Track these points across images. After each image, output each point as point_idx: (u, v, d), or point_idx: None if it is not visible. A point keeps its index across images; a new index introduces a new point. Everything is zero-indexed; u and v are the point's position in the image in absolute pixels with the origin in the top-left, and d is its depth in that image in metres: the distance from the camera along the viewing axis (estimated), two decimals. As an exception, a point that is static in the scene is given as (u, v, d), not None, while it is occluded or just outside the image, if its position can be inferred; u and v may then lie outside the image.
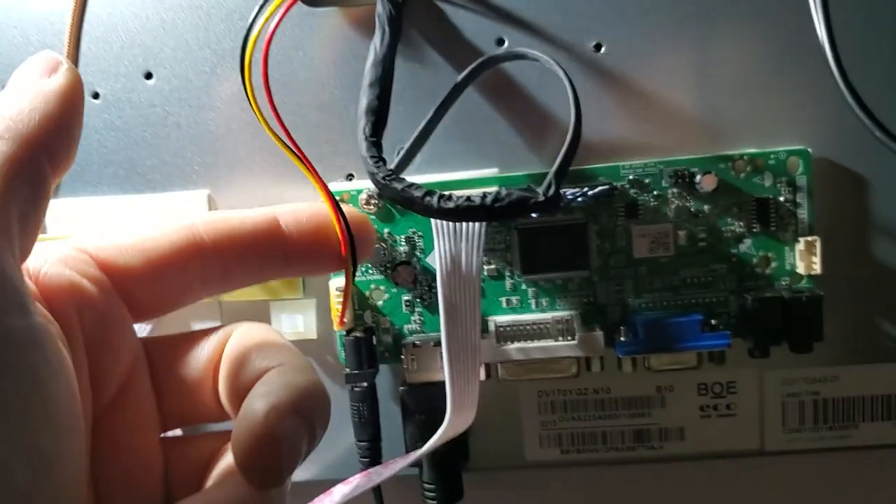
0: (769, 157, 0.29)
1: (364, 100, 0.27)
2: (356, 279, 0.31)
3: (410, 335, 0.31)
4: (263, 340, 0.23)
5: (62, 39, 0.32)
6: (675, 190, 0.30)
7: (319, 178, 0.26)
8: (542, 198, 0.25)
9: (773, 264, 0.30)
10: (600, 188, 0.29)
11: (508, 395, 0.33)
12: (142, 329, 0.28)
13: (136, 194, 0.33)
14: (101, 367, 0.21)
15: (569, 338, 0.30)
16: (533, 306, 0.31)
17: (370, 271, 0.31)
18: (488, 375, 0.30)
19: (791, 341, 0.29)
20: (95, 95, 0.33)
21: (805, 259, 0.29)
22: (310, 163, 0.26)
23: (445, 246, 0.27)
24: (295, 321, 0.32)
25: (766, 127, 0.30)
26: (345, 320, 0.30)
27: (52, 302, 0.20)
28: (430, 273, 0.31)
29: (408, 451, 0.31)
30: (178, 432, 0.26)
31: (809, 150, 0.29)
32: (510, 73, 0.31)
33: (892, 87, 0.29)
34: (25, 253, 0.19)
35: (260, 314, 0.33)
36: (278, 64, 0.32)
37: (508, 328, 0.30)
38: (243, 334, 0.23)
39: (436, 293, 0.28)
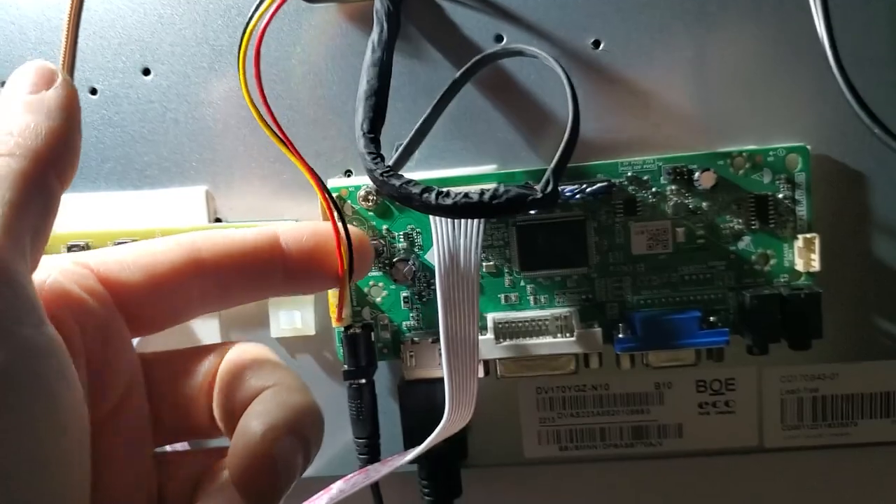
0: (768, 154, 0.29)
1: (362, 96, 0.27)
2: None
3: (409, 332, 0.31)
4: (259, 359, 0.23)
5: (59, 35, 0.32)
6: (673, 187, 0.30)
7: (312, 170, 0.26)
8: (539, 195, 0.25)
9: (772, 261, 0.30)
10: (599, 185, 0.29)
11: (507, 391, 0.33)
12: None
13: (134, 190, 0.33)
14: (100, 380, 0.22)
15: (567, 334, 0.30)
16: (531, 303, 0.31)
17: (368, 268, 0.31)
18: (487, 372, 0.30)
19: (790, 338, 0.29)
20: (93, 91, 0.33)
21: (804, 256, 0.29)
22: (299, 153, 0.26)
23: (444, 242, 0.27)
24: (293, 317, 0.32)
25: (765, 123, 0.30)
26: (343, 317, 0.30)
27: (54, 315, 0.20)
28: (428, 269, 0.31)
29: (406, 447, 0.31)
30: (182, 446, 0.26)
31: (808, 146, 0.29)
32: (509, 69, 0.31)
33: (890, 85, 0.29)
34: (34, 265, 0.19)
35: (259, 310, 0.33)
36: (277, 60, 0.31)
37: (507, 325, 0.30)
38: (239, 353, 0.24)
39: (434, 290, 0.28)
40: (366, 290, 0.31)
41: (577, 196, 0.29)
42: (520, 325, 0.30)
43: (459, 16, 0.31)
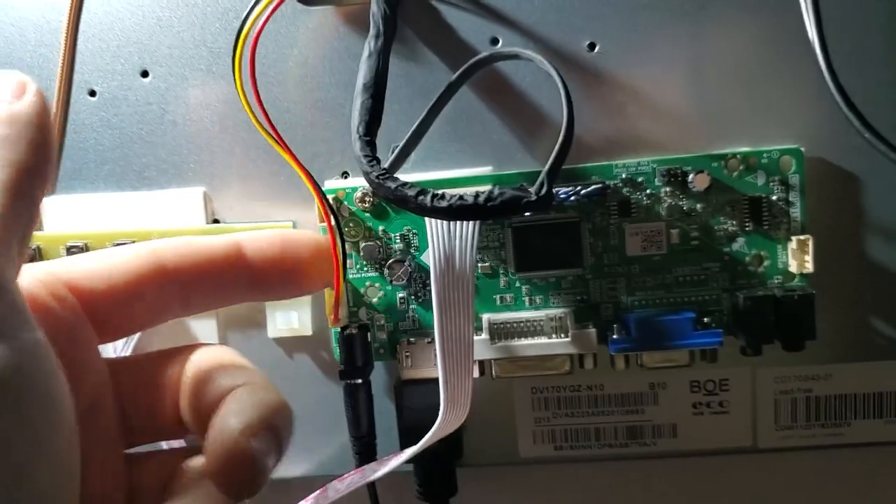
0: (762, 156, 0.29)
1: (358, 98, 0.27)
2: (351, 277, 0.31)
3: (405, 332, 0.32)
4: (225, 360, 0.24)
5: (59, 38, 0.32)
6: (667, 188, 0.30)
7: (308, 172, 0.27)
8: (534, 197, 0.25)
9: (766, 263, 0.30)
10: (593, 187, 0.29)
11: (502, 391, 0.33)
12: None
13: (132, 191, 0.33)
14: (70, 385, 0.22)
15: (562, 335, 0.30)
16: (526, 304, 0.31)
17: (365, 268, 0.31)
18: (482, 372, 0.30)
19: (783, 339, 0.29)
20: (92, 93, 0.33)
21: (797, 258, 0.29)
22: (295, 155, 0.27)
23: (439, 244, 0.27)
24: (290, 318, 0.33)
25: (759, 126, 0.30)
26: (339, 317, 0.30)
27: None
28: (424, 270, 0.31)
29: (402, 447, 0.31)
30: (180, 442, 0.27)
31: (802, 148, 0.29)
32: (504, 72, 0.31)
33: (882, 88, 0.30)
34: (18, 273, 0.20)
35: (256, 311, 0.33)
36: (273, 62, 0.32)
37: (502, 325, 0.30)
38: (205, 354, 0.25)
39: (430, 290, 0.28)
40: (362, 290, 0.32)
41: (572, 198, 0.29)
42: (515, 325, 0.30)
43: (455, 18, 0.31)
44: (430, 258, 0.27)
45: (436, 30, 0.31)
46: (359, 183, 0.31)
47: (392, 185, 0.25)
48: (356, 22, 0.31)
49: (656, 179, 0.30)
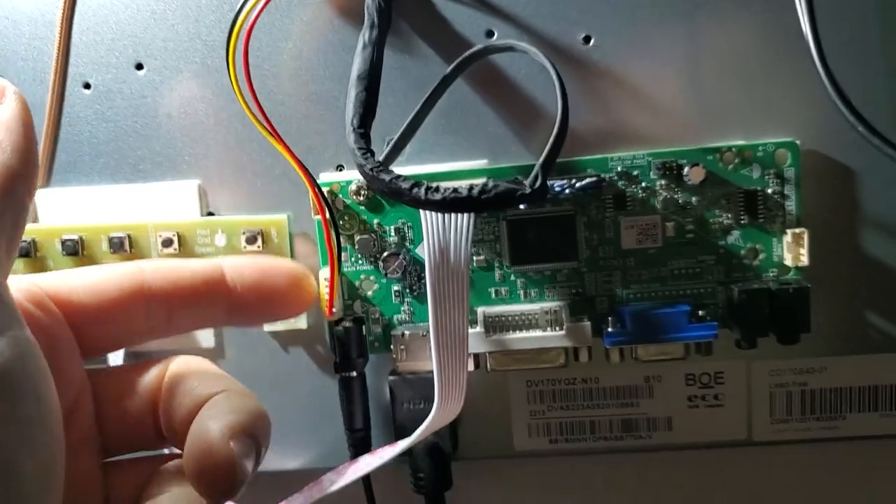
0: (757, 149, 0.29)
1: (353, 91, 0.27)
2: (346, 270, 0.31)
3: (400, 325, 0.32)
4: (202, 369, 0.25)
5: (53, 30, 0.32)
6: (663, 182, 0.30)
7: (302, 164, 0.27)
8: (528, 190, 0.25)
9: (761, 256, 0.30)
10: (588, 180, 0.29)
11: (497, 384, 0.33)
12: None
13: (127, 184, 0.33)
14: None
15: (557, 328, 0.30)
16: (521, 297, 0.31)
17: (360, 261, 0.31)
18: (477, 366, 0.31)
19: (778, 332, 0.29)
20: (87, 86, 0.33)
21: (793, 251, 0.29)
22: (289, 148, 0.27)
23: (434, 237, 0.27)
24: (285, 311, 0.33)
25: (755, 119, 0.30)
26: (334, 310, 0.30)
27: None
28: (419, 263, 0.31)
29: (397, 440, 0.31)
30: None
31: (798, 142, 0.29)
32: (499, 65, 0.31)
33: (876, 82, 0.30)
34: (6, 275, 0.20)
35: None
36: (267, 55, 0.32)
37: (497, 318, 0.30)
38: (182, 364, 0.25)
39: (425, 283, 0.28)
40: (357, 283, 0.32)
41: (567, 191, 0.29)
42: (510, 318, 0.30)
43: (450, 11, 0.31)
44: (424, 251, 0.27)
45: (430, 22, 0.31)
46: (353, 176, 0.31)
47: (386, 177, 0.25)
48: (351, 14, 0.31)
49: (651, 172, 0.30)
